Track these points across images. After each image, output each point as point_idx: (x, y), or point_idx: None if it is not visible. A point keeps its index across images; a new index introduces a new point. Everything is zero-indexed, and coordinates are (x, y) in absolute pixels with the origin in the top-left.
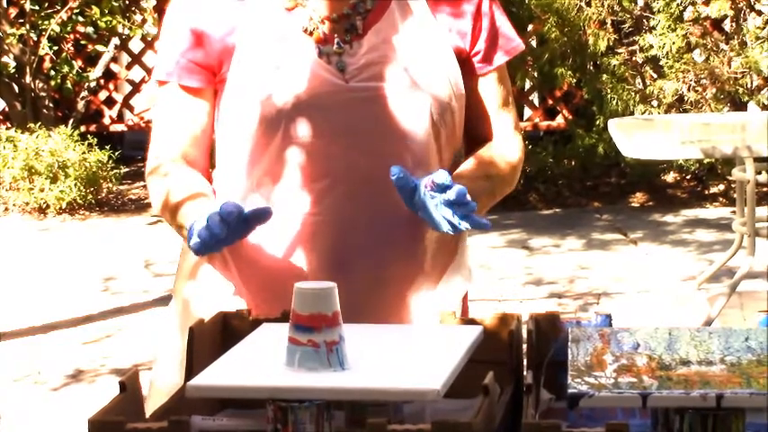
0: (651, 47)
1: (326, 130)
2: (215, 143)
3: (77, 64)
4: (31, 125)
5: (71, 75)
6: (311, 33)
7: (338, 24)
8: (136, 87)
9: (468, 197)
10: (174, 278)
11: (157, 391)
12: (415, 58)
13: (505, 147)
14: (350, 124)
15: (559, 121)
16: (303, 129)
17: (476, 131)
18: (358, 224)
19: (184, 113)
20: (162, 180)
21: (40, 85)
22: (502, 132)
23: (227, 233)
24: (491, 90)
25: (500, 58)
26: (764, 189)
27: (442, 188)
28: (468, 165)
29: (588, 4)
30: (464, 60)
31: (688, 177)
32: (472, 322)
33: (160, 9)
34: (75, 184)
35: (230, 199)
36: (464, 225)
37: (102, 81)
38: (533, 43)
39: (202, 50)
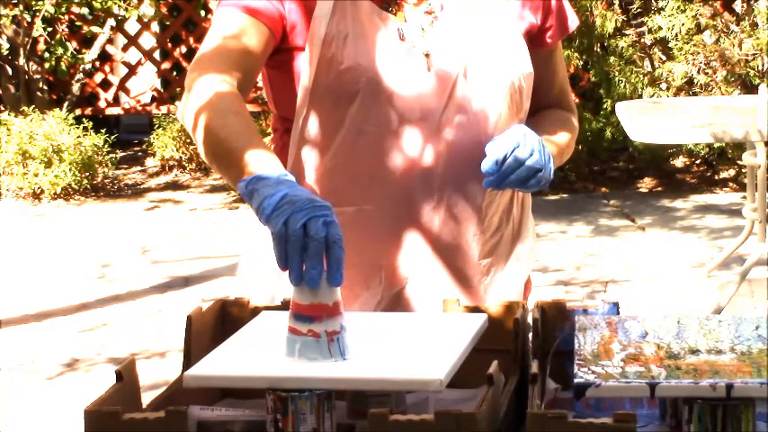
0: (660, 28)
1: (406, 114)
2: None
3: (72, 45)
4: (25, 108)
5: (66, 56)
6: (394, 12)
7: (417, 5)
8: (132, 70)
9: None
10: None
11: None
12: (490, 37)
13: (569, 116)
14: (431, 109)
15: None
16: (381, 110)
17: (540, 102)
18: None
19: (239, 39)
20: (211, 103)
21: (34, 67)
22: (565, 102)
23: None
24: (556, 62)
25: (564, 32)
26: None
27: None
28: (550, 132)
29: None
30: (534, 35)
31: (698, 162)
32: (477, 310)
33: None
34: (71, 169)
35: (309, 171)
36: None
37: (97, 63)
38: None
39: None
